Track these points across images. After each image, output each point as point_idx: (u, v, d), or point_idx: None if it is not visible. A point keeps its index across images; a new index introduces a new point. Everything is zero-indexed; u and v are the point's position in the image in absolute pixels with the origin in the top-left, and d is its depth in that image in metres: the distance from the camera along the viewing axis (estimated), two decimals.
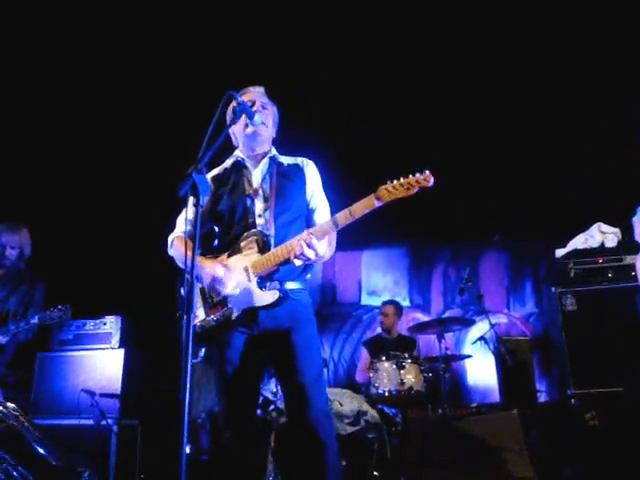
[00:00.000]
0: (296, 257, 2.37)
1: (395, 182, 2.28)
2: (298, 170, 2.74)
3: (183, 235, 2.64)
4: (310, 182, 2.73)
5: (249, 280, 2.47)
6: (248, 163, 2.75)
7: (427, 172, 2.25)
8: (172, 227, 2.70)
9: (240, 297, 2.47)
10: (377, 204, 2.30)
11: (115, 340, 5.68)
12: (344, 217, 2.37)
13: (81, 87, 5.86)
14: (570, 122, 5.63)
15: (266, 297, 2.44)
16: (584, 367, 4.26)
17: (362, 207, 2.34)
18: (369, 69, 5.72)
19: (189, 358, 1.80)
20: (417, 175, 2.25)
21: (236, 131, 2.75)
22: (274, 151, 2.78)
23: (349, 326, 6.86)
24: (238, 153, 2.78)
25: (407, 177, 2.27)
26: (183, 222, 2.68)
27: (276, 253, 2.43)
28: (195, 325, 2.51)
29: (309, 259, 2.37)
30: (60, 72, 5.75)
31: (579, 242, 4.78)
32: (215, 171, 2.83)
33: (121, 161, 6.20)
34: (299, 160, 2.80)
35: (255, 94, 2.75)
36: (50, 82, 5.78)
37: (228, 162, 2.81)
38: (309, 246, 2.33)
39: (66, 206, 6.36)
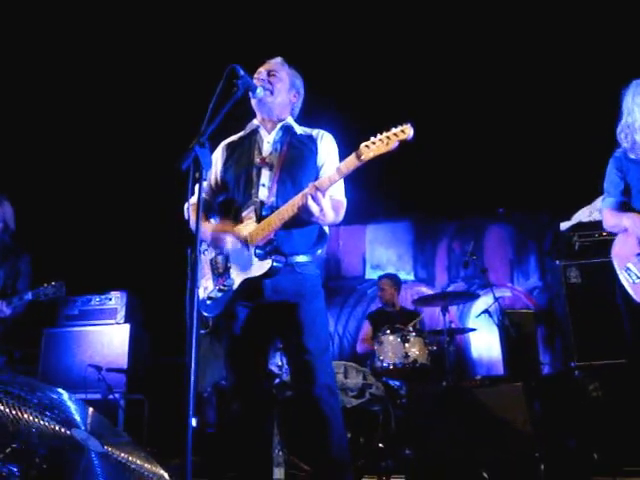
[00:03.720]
0: (299, 209, 2.31)
1: (374, 138, 2.23)
2: (310, 141, 2.68)
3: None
4: (322, 154, 2.65)
5: (247, 250, 2.45)
6: (262, 130, 2.72)
7: (407, 124, 2.18)
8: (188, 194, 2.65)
9: (239, 268, 2.46)
10: (357, 162, 2.24)
11: (120, 315, 5.73)
12: (328, 179, 2.32)
13: (81, 59, 5.82)
14: (575, 93, 5.57)
15: (259, 267, 2.40)
16: (587, 339, 4.27)
17: (345, 166, 2.29)
18: (381, 39, 5.65)
19: (195, 329, 1.80)
20: (395, 128, 2.19)
21: (253, 103, 2.70)
22: (290, 120, 2.73)
23: (353, 300, 6.89)
24: (255, 120, 2.75)
25: (386, 131, 2.21)
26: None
27: (270, 220, 2.40)
28: (203, 298, 2.52)
29: (312, 214, 2.30)
30: (59, 47, 5.69)
31: (584, 215, 4.75)
32: (231, 138, 2.82)
33: (126, 136, 6.17)
34: (314, 132, 2.74)
35: (269, 64, 2.72)
36: (48, 56, 5.73)
37: (246, 129, 2.79)
38: (314, 199, 2.28)
39: (72, 182, 6.35)
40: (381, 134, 2.22)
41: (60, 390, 2.14)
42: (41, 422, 1.86)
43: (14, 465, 1.69)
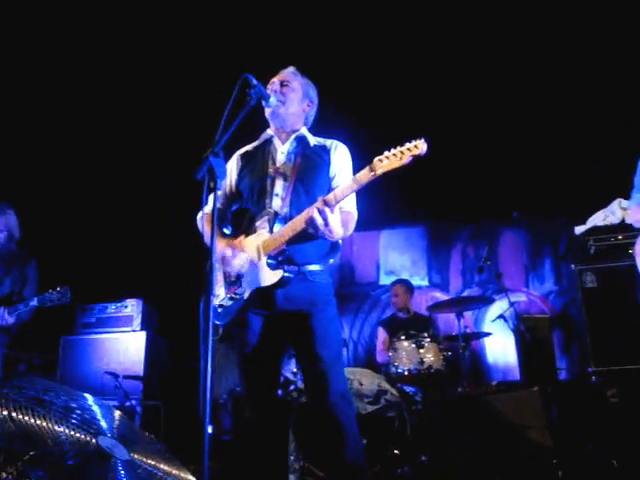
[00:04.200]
0: (306, 223, 2.31)
1: (388, 152, 2.23)
2: (324, 152, 2.69)
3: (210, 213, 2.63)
4: (335, 165, 2.67)
5: (259, 260, 2.46)
6: (276, 141, 2.74)
7: (420, 139, 2.19)
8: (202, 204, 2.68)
9: (250, 277, 2.48)
10: (372, 176, 2.25)
11: (137, 323, 5.79)
12: (341, 191, 2.33)
13: (98, 66, 5.87)
14: (590, 96, 5.54)
15: (271, 277, 2.42)
16: (605, 344, 4.24)
17: (358, 179, 2.29)
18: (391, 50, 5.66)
19: (210, 337, 1.81)
20: (408, 143, 2.20)
21: (266, 112, 2.71)
22: (304, 130, 2.75)
23: (368, 306, 6.88)
24: (269, 130, 2.77)
25: (400, 146, 2.22)
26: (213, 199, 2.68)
27: (282, 231, 2.42)
28: (215, 305, 2.54)
29: (317, 227, 2.30)
30: (73, 51, 5.76)
31: (599, 219, 4.72)
32: (246, 148, 2.84)
33: (142, 146, 6.22)
34: (328, 142, 2.75)
35: (282, 74, 2.74)
36: (61, 59, 5.80)
37: (260, 139, 2.80)
38: (320, 212, 2.28)
39: (90, 191, 6.42)
40: (394, 148, 2.23)
41: (86, 395, 2.16)
42: (66, 429, 1.87)
43: (41, 471, 1.71)
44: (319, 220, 2.29)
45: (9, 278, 4.08)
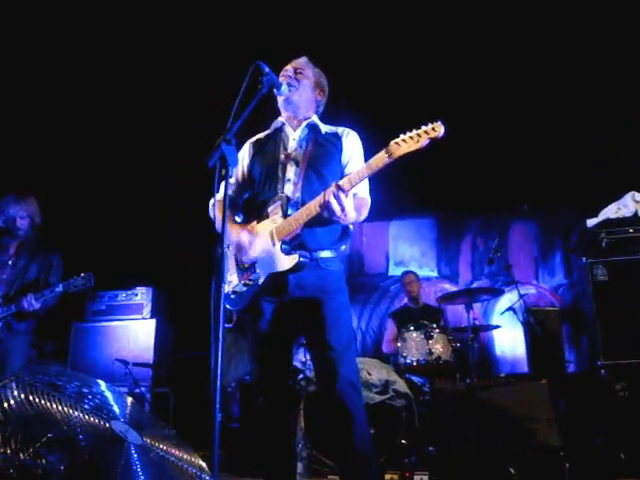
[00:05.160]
0: (321, 208, 2.31)
1: (404, 135, 2.21)
2: (335, 139, 2.69)
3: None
4: (347, 152, 2.66)
5: (273, 245, 2.46)
6: (287, 128, 2.74)
7: (437, 122, 2.17)
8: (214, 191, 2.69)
9: (265, 262, 2.48)
10: (387, 159, 2.23)
11: (146, 311, 5.84)
12: (357, 175, 2.31)
13: (114, 55, 5.88)
14: (602, 87, 5.49)
15: (286, 262, 2.41)
16: (614, 338, 4.22)
17: (375, 163, 2.27)
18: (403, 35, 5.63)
19: (221, 324, 1.82)
20: (425, 126, 2.18)
21: (278, 101, 2.72)
22: (315, 118, 2.75)
23: (377, 297, 6.88)
24: (280, 118, 2.77)
25: (417, 129, 2.20)
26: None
27: (297, 216, 2.41)
28: (228, 292, 2.54)
29: (334, 213, 2.29)
30: (89, 42, 5.77)
31: (611, 211, 4.69)
32: (257, 136, 2.84)
33: (152, 132, 6.23)
34: (339, 129, 2.75)
35: (295, 62, 2.74)
36: (72, 57, 5.82)
37: (271, 127, 2.81)
38: (336, 198, 2.27)
39: (100, 178, 6.44)
40: (411, 131, 2.21)
41: (99, 381, 2.18)
42: (80, 413, 1.89)
43: (57, 454, 1.73)
44: (335, 204, 2.28)
45: (34, 264, 4.15)
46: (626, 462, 3.76)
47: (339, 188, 2.28)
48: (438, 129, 2.16)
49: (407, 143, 2.20)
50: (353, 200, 2.41)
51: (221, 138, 2.01)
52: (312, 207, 2.37)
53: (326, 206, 2.29)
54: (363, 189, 2.59)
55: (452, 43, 5.59)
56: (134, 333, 5.71)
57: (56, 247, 4.29)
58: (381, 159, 2.26)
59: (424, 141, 2.17)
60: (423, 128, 2.18)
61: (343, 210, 2.30)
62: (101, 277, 4.14)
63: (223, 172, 2.00)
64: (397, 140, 2.22)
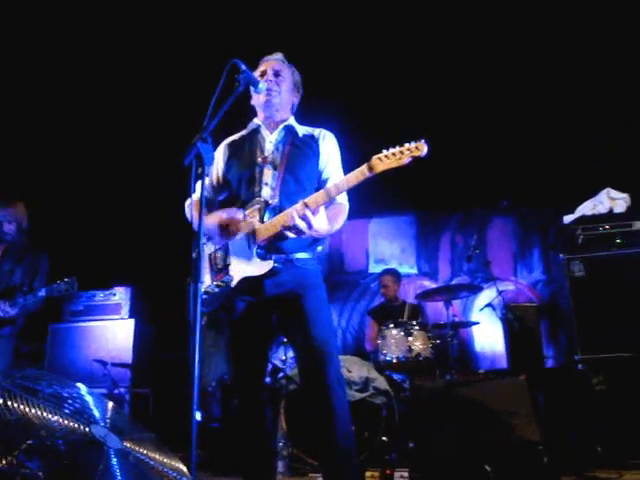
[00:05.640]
0: (289, 228, 2.30)
1: (387, 152, 2.23)
2: (312, 141, 2.68)
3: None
4: (324, 154, 2.66)
5: (249, 248, 2.45)
6: (264, 130, 2.72)
7: (421, 141, 2.19)
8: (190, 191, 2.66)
9: (239, 265, 2.45)
10: (369, 174, 2.25)
11: (125, 311, 5.78)
12: (335, 188, 2.32)
13: (87, 55, 5.82)
14: (578, 87, 5.55)
15: (260, 267, 2.40)
16: (591, 333, 4.28)
17: (354, 177, 2.29)
18: (382, 39, 5.64)
19: (198, 324, 1.81)
20: (409, 144, 2.20)
21: (254, 99, 2.71)
22: (292, 120, 2.74)
23: (357, 294, 6.90)
24: (256, 120, 2.75)
25: (400, 146, 2.22)
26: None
27: (273, 222, 2.39)
28: (201, 292, 2.51)
29: (302, 231, 2.29)
30: (67, 41, 5.70)
31: (587, 208, 4.74)
32: (232, 137, 2.82)
33: (128, 131, 6.18)
34: (316, 131, 2.74)
35: (271, 62, 2.71)
36: (55, 49, 5.74)
37: (247, 128, 2.79)
38: (302, 218, 2.27)
39: (74, 178, 6.37)
40: (394, 147, 2.22)
41: (78, 384, 2.14)
42: (59, 418, 1.86)
43: (36, 460, 1.70)
44: (302, 225, 2.27)
45: (20, 268, 4.12)
46: (603, 454, 3.81)
47: (306, 206, 2.28)
48: (421, 148, 2.19)
49: (389, 159, 2.22)
50: (329, 210, 2.43)
51: (197, 136, 2.00)
52: (284, 220, 2.35)
53: (293, 226, 2.29)
54: (342, 195, 2.58)
55: (437, 38, 5.60)
56: (112, 333, 5.64)
57: (43, 252, 4.27)
58: (362, 173, 2.27)
59: (406, 159, 2.20)
60: (406, 146, 2.21)
61: (311, 228, 2.29)
62: (79, 277, 4.11)
63: (199, 170, 1.99)
64: (380, 155, 2.24)
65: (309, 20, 5.49)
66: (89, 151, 6.30)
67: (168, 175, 3.68)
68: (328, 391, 2.34)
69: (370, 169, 2.24)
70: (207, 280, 2.53)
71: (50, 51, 5.71)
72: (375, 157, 2.24)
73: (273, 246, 2.44)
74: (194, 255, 1.93)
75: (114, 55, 5.82)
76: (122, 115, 6.09)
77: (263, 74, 2.66)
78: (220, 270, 2.50)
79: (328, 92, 4.78)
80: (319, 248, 2.63)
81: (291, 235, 2.33)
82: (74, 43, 5.70)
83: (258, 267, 2.41)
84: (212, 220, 2.53)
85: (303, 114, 2.85)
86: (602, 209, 4.68)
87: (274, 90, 2.63)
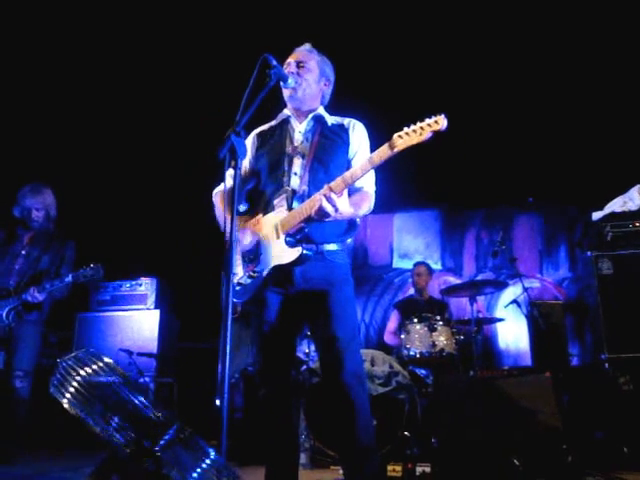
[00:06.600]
0: (316, 213, 2.32)
1: (407, 129, 2.22)
2: (342, 131, 2.69)
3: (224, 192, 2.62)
4: (354, 143, 2.66)
5: (278, 238, 2.47)
6: (293, 121, 2.73)
7: (440, 115, 2.18)
8: (219, 180, 2.64)
9: (269, 255, 2.48)
10: (390, 152, 2.24)
11: (150, 301, 5.85)
12: (360, 169, 2.33)
13: (122, 48, 5.89)
14: (607, 81, 5.46)
15: (290, 254, 2.41)
16: (618, 332, 4.22)
17: (377, 157, 2.29)
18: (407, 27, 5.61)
19: (229, 315, 1.83)
20: (429, 118, 2.19)
21: (284, 93, 2.71)
22: (321, 110, 2.74)
23: (380, 289, 6.89)
24: (286, 110, 2.76)
25: (420, 122, 2.21)
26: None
27: (300, 210, 2.41)
28: (234, 283, 2.54)
29: (328, 214, 2.31)
30: (103, 34, 5.78)
31: (617, 205, 4.67)
32: (262, 127, 2.83)
33: (161, 123, 6.24)
34: (346, 121, 2.74)
35: (296, 54, 2.72)
36: (91, 41, 5.83)
37: (277, 119, 2.80)
38: (328, 200, 2.29)
39: (105, 169, 6.46)
40: (414, 124, 2.21)
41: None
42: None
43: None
44: (329, 208, 2.29)
45: (47, 256, 4.19)
46: (629, 456, 3.77)
47: (331, 189, 2.30)
48: (441, 122, 2.17)
49: (410, 136, 2.21)
50: (355, 195, 2.45)
51: (231, 130, 2.02)
52: (310, 207, 2.36)
53: (319, 209, 2.31)
54: (368, 182, 2.59)
55: (458, 35, 5.57)
56: (138, 323, 5.72)
57: (70, 240, 4.34)
58: (384, 152, 2.27)
59: (427, 134, 2.19)
60: (426, 121, 2.19)
61: (337, 210, 2.31)
62: (106, 267, 4.16)
63: (232, 164, 2.01)
64: (400, 133, 2.23)
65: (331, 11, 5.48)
66: (121, 142, 6.38)
67: (197, 167, 3.70)
68: (348, 388, 2.37)
69: (391, 147, 2.24)
70: (239, 272, 2.55)
71: (86, 43, 5.79)
72: (396, 135, 2.24)
73: (303, 235, 2.45)
74: (227, 247, 1.95)
75: (150, 48, 5.88)
76: (154, 107, 6.15)
77: (287, 66, 2.67)
78: (251, 261, 2.52)
79: (355, 85, 4.77)
80: (349, 240, 2.64)
81: (318, 218, 2.34)
82: (111, 37, 5.79)
83: (287, 254, 2.42)
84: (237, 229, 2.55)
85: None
86: (632, 206, 4.60)
87: (296, 82, 2.63)
